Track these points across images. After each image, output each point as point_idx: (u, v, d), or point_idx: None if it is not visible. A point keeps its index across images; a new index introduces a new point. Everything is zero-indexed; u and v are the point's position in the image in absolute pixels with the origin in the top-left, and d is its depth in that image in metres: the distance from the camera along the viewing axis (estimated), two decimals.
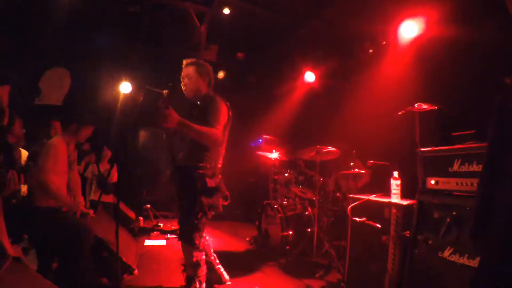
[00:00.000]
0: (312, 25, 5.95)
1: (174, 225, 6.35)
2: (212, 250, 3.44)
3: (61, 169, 3.43)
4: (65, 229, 3.29)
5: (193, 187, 2.86)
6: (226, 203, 3.16)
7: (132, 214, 6.32)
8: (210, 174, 2.90)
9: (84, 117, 3.75)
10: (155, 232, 6.02)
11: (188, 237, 2.85)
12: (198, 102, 3.06)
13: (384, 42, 5.09)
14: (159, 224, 6.61)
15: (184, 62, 3.12)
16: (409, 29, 4.45)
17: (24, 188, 4.79)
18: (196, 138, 2.73)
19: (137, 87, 6.28)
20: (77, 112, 3.87)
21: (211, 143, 2.84)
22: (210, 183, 2.87)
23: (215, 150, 2.96)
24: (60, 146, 3.44)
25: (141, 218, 6.54)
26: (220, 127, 2.82)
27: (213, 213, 3.01)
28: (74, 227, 3.30)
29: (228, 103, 3.07)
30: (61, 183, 3.45)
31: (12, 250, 2.37)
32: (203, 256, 2.95)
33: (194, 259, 2.84)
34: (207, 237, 3.44)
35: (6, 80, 3.10)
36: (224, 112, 2.93)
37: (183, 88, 3.07)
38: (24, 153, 5.10)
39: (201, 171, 2.86)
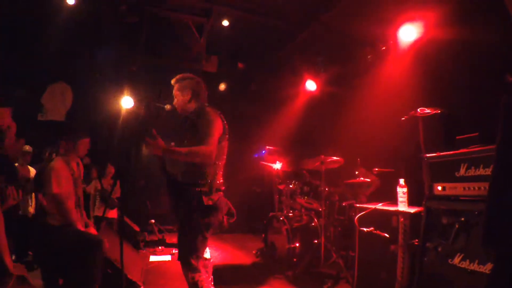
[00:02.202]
0: (312, 31, 5.95)
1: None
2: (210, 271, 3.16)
3: (65, 190, 3.47)
4: (78, 244, 3.36)
5: (188, 206, 2.71)
6: (232, 220, 2.95)
7: (136, 227, 6.29)
8: (207, 191, 2.69)
9: (76, 132, 3.77)
10: (160, 248, 5.97)
11: (184, 258, 2.69)
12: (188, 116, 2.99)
13: (384, 47, 5.07)
14: (164, 238, 6.56)
15: (172, 82, 3.09)
16: (409, 33, 4.42)
17: (31, 209, 4.81)
18: (187, 160, 2.68)
19: (138, 101, 6.29)
20: (69, 129, 3.89)
21: (205, 162, 2.68)
22: (207, 201, 2.67)
23: (211, 165, 2.74)
24: (59, 167, 3.50)
25: (146, 233, 6.50)
26: (212, 142, 2.63)
27: (212, 232, 2.80)
28: (86, 242, 3.38)
29: (221, 113, 2.90)
30: (69, 203, 3.51)
31: (14, 268, 2.36)
32: (202, 276, 2.71)
33: (191, 280, 2.69)
34: (209, 256, 3.15)
35: (7, 102, 3.13)
36: (217, 124, 2.74)
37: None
38: (33, 170, 5.14)
39: (197, 189, 2.68)
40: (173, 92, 3.04)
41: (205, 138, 2.61)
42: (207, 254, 3.00)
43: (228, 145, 2.92)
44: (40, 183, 3.68)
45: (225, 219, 2.91)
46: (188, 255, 2.66)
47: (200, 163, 2.68)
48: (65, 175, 3.52)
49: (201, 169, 2.71)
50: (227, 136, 2.86)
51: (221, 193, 2.83)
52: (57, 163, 3.54)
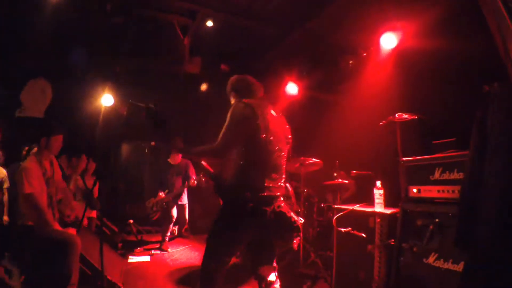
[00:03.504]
0: (295, 37, 6.05)
1: (157, 239, 6.30)
2: None
3: (38, 190, 3.42)
4: (52, 244, 3.32)
5: (220, 211, 2.46)
6: (296, 240, 2.47)
7: (115, 228, 6.22)
8: (241, 196, 2.34)
9: (49, 129, 3.70)
10: (139, 248, 5.91)
11: (203, 267, 2.41)
12: None
13: (365, 54, 5.20)
14: (143, 239, 6.50)
15: None
16: (389, 41, 4.54)
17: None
18: (198, 159, 2.65)
19: (120, 100, 6.21)
20: (41, 126, 3.81)
21: (211, 160, 2.62)
22: (239, 209, 2.32)
23: (250, 167, 2.40)
24: (31, 167, 3.45)
25: (124, 234, 6.41)
26: (221, 141, 2.39)
27: (234, 253, 2.49)
28: (60, 242, 3.33)
29: (263, 107, 2.55)
30: (42, 203, 3.46)
31: None
32: None
33: None
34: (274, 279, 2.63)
35: None
36: (233, 121, 2.43)
37: None
38: (1, 171, 4.97)
39: (232, 194, 2.42)
40: None
41: (218, 138, 2.43)
42: (271, 277, 2.59)
43: (275, 144, 2.50)
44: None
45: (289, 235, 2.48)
46: (207, 264, 2.43)
47: (233, 162, 2.44)
48: (36, 175, 3.45)
49: (239, 171, 2.43)
50: (264, 134, 2.41)
51: (268, 202, 2.38)
52: (29, 162, 3.49)
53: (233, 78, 2.94)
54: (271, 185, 2.43)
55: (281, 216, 2.41)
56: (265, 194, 2.37)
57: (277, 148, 2.51)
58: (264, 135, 2.41)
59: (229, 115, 2.47)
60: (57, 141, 3.69)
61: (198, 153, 2.55)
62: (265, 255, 2.61)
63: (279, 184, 2.52)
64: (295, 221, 2.43)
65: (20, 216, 3.47)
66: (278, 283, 2.64)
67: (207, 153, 2.50)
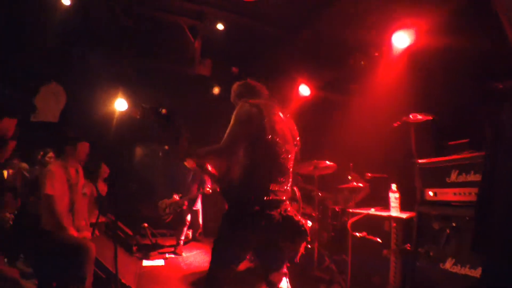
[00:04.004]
0: (305, 37, 6.01)
1: (172, 243, 6.33)
2: None
3: (59, 193, 3.48)
4: (66, 248, 3.37)
5: (224, 215, 2.38)
6: (304, 244, 2.39)
7: (129, 231, 6.26)
8: (237, 199, 2.33)
9: (74, 136, 3.80)
10: (153, 252, 5.94)
11: (208, 272, 2.38)
12: None
13: (377, 54, 5.11)
14: (158, 242, 6.53)
15: None
16: (401, 40, 4.45)
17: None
18: (209, 160, 2.56)
19: (132, 104, 6.26)
20: (66, 134, 3.92)
21: (216, 161, 2.53)
22: (243, 213, 2.26)
23: (253, 168, 2.33)
24: (56, 170, 3.55)
25: (139, 237, 6.45)
26: (225, 142, 2.34)
27: (240, 259, 2.43)
28: (75, 247, 3.38)
29: (268, 108, 2.48)
30: (62, 207, 3.53)
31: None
32: None
33: None
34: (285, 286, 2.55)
35: (14, 113, 3.15)
36: (239, 120, 2.38)
37: None
38: None
39: (232, 196, 2.39)
40: None
41: (223, 138, 2.37)
42: (283, 283, 2.51)
43: (282, 146, 2.41)
44: (35, 186, 3.72)
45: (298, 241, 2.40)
46: (213, 271, 2.40)
47: (236, 163, 2.38)
48: (60, 179, 3.56)
49: (244, 173, 2.35)
50: (269, 134, 2.34)
51: (274, 206, 2.30)
52: (54, 166, 3.61)
53: (234, 86, 2.86)
54: (276, 188, 2.34)
55: (289, 220, 2.32)
56: (271, 198, 2.29)
57: (283, 150, 2.42)
58: (270, 136, 2.34)
59: (234, 115, 2.41)
60: (84, 147, 3.82)
61: (203, 154, 2.48)
62: (273, 260, 2.52)
63: (285, 187, 2.44)
64: (302, 224, 2.35)
65: (35, 220, 3.53)
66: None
67: (211, 153, 2.44)
